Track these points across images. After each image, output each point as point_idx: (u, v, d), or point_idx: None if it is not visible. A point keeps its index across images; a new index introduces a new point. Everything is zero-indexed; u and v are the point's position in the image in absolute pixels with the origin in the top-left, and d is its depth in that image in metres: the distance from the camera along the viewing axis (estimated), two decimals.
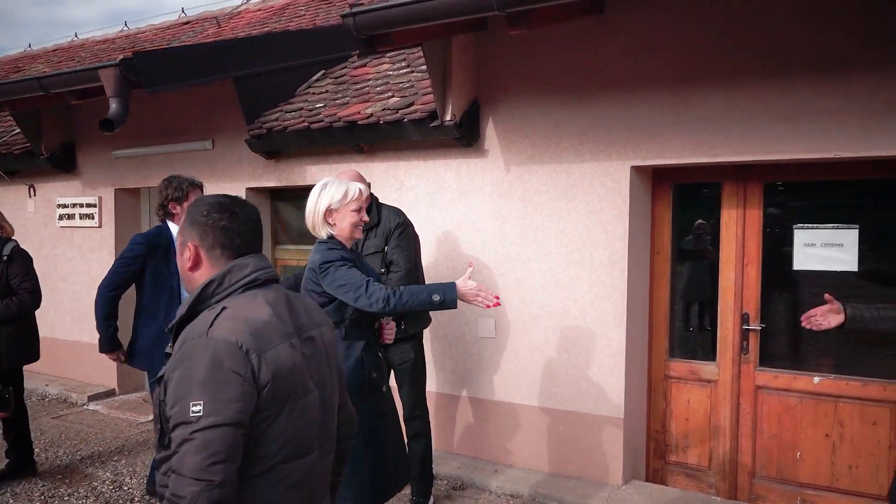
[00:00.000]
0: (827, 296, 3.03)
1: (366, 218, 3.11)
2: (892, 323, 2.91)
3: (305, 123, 5.22)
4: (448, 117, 4.56)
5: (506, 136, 4.72)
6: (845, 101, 3.71)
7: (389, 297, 2.85)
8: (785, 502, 4.26)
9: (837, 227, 4.11)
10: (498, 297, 2.99)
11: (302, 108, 5.52)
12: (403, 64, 5.61)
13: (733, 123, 4.00)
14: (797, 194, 4.36)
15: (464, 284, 2.94)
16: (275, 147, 5.56)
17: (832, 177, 4.14)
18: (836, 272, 4.14)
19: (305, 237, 6.00)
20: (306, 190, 5.71)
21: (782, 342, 4.35)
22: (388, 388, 3.21)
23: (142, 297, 4.28)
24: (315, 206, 3.02)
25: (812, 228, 4.18)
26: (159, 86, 4.72)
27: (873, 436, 4.02)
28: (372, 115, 4.91)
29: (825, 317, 3.02)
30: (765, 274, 4.32)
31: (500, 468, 4.76)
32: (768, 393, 4.32)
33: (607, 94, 4.36)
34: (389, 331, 3.24)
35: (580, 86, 4.44)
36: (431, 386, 5.11)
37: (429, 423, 4.28)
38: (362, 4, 3.62)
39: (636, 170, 4.36)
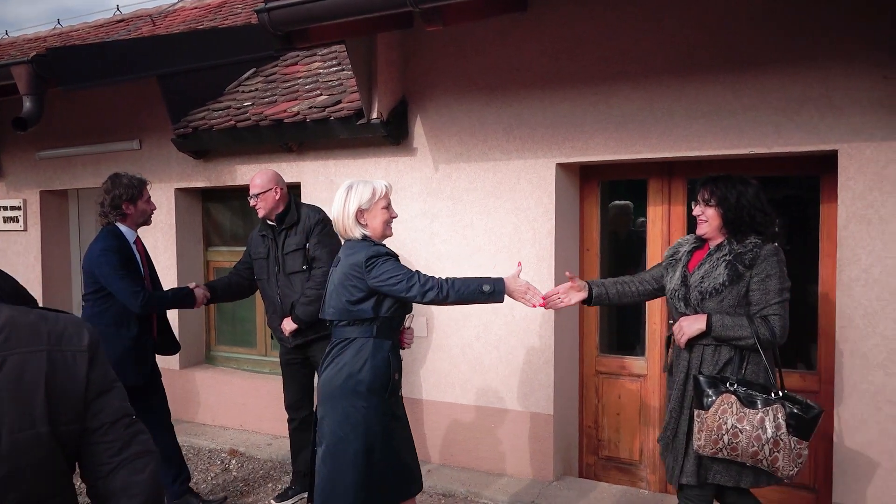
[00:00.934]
0: (567, 273, 3.24)
1: (395, 214, 3.11)
2: (633, 297, 3.25)
3: (232, 122, 5.12)
4: (375, 115, 4.51)
5: (434, 134, 4.70)
6: (758, 98, 3.78)
7: (443, 285, 2.86)
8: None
9: None
10: (545, 299, 3.00)
11: (230, 107, 5.42)
12: (335, 62, 5.55)
13: (653, 121, 4.04)
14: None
15: (514, 281, 2.95)
16: (202, 147, 5.45)
17: (750, 173, 4.19)
18: None
19: (239, 239, 5.90)
20: (237, 190, 5.70)
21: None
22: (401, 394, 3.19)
23: (110, 307, 3.85)
24: (343, 208, 2.98)
25: None
26: (75, 84, 4.57)
27: None
28: (299, 113, 4.84)
29: (567, 294, 3.15)
30: None
31: (433, 468, 4.73)
32: None
33: (531, 91, 4.37)
34: (409, 336, 3.23)
35: (505, 84, 4.44)
36: None
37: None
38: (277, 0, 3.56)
39: (562, 167, 4.38)
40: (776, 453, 2.68)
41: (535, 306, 2.99)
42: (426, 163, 4.74)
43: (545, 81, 4.33)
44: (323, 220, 4.06)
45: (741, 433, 2.69)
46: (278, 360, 4.42)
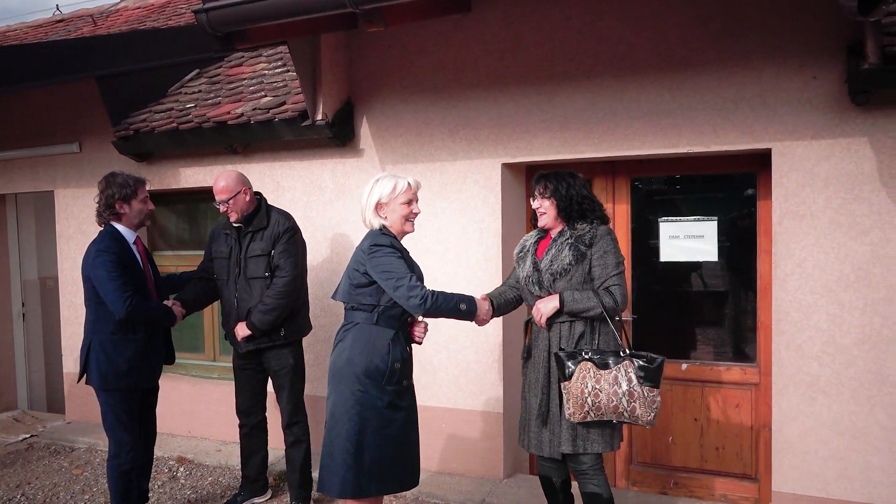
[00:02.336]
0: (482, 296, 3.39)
1: (417, 210, 3.17)
2: (513, 304, 3.47)
3: (174, 124, 5.03)
4: (320, 117, 4.48)
5: (380, 135, 4.69)
6: (695, 98, 3.87)
7: (428, 297, 2.91)
8: (659, 486, 4.40)
9: (699, 220, 4.28)
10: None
11: (172, 109, 5.32)
12: (280, 63, 5.49)
13: (595, 121, 4.10)
14: (662, 189, 4.51)
15: (479, 307, 3.16)
16: (144, 149, 5.34)
17: (692, 171, 4.31)
18: (698, 262, 4.32)
19: (185, 243, 5.80)
20: (182, 193, 5.61)
21: (652, 332, 4.48)
22: (412, 387, 3.19)
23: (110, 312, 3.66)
24: (366, 200, 3.10)
25: (676, 221, 4.33)
26: (10, 85, 4.46)
27: (736, 418, 4.21)
28: (243, 114, 4.78)
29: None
30: (635, 266, 4.44)
31: None
32: None
33: (477, 92, 4.39)
34: (420, 329, 3.23)
35: (450, 84, 4.46)
36: (313, 390, 5.03)
37: (308, 428, 4.21)
38: (216, 0, 3.50)
39: (507, 167, 4.41)
40: (633, 403, 2.99)
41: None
42: (373, 164, 4.73)
43: (490, 82, 4.36)
44: (292, 229, 4.02)
45: (601, 392, 2.98)
46: (227, 364, 4.36)
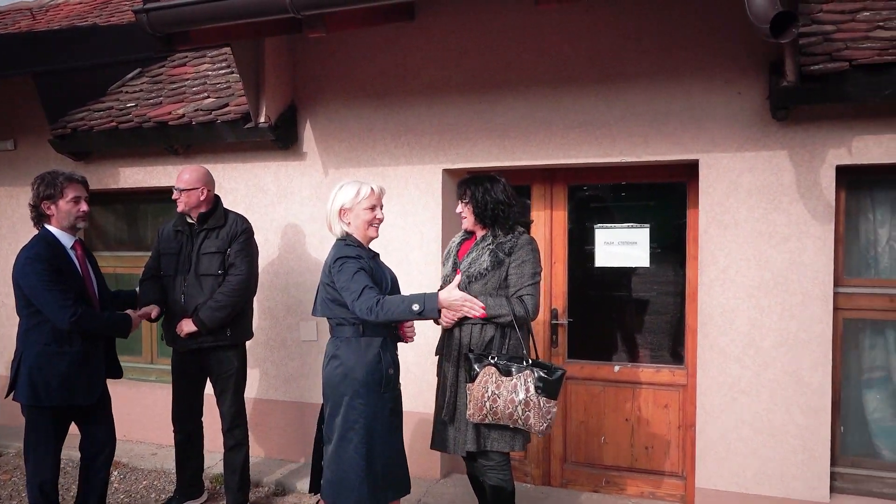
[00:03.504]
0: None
1: (381, 216, 3.16)
2: (499, 309, 3.18)
3: (114, 123, 4.97)
4: (262, 119, 4.50)
5: (323, 139, 4.73)
6: (628, 110, 4.03)
7: (372, 307, 2.86)
8: (592, 484, 4.53)
9: (632, 227, 4.43)
10: (485, 308, 2.99)
11: (112, 108, 5.25)
12: (224, 64, 5.47)
13: (534, 130, 4.23)
14: (598, 196, 4.66)
15: (449, 294, 2.93)
16: (82, 148, 5.26)
17: (626, 179, 4.46)
18: (632, 268, 4.47)
19: (124, 244, 5.71)
20: (121, 194, 5.53)
21: (587, 335, 4.62)
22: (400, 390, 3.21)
23: (48, 321, 3.42)
24: (331, 206, 3.11)
25: (610, 228, 4.48)
26: None
27: (665, 418, 4.37)
28: (184, 115, 4.76)
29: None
30: (571, 271, 4.58)
31: None
32: (576, 383, 4.57)
33: (419, 99, 4.47)
34: (410, 329, 3.24)
35: (393, 90, 4.53)
36: (255, 392, 5.03)
37: (247, 432, 4.20)
38: (156, 0, 3.50)
39: (448, 173, 4.50)
40: (528, 412, 3.05)
41: (475, 317, 3.01)
42: (316, 167, 4.76)
43: (432, 89, 4.44)
44: (249, 230, 4.06)
45: (499, 398, 3.06)
46: (165, 367, 4.31)
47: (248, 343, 4.89)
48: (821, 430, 3.77)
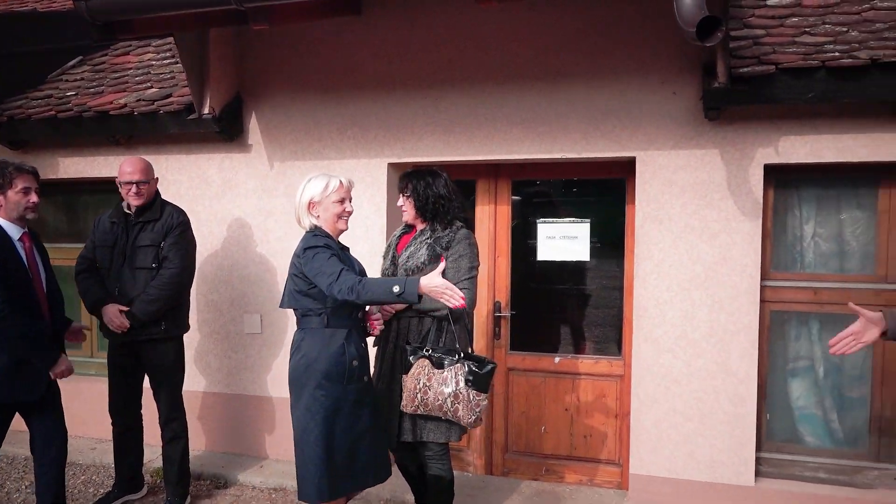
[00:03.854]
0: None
1: (350, 209, 3.17)
2: (435, 303, 3.07)
3: (52, 112, 4.87)
4: (206, 111, 4.47)
5: (269, 131, 4.72)
6: (568, 107, 4.14)
7: (354, 286, 2.86)
8: (532, 473, 4.64)
9: (573, 221, 4.55)
10: (464, 298, 2.93)
11: (51, 96, 5.14)
12: (168, 54, 5.40)
13: (477, 126, 4.30)
14: (541, 191, 4.76)
15: (430, 280, 2.89)
16: (19, 137, 5.13)
17: (568, 175, 4.57)
18: (573, 261, 4.58)
19: (63, 235, 5.59)
20: (62, 184, 5.42)
21: (529, 327, 4.73)
22: (371, 382, 3.19)
23: None
24: (299, 199, 3.10)
25: (552, 222, 4.59)
26: None
27: (603, 407, 4.50)
28: (126, 105, 4.69)
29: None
30: (514, 265, 4.68)
31: (266, 463, 4.75)
32: (518, 374, 4.68)
33: (365, 93, 4.50)
34: (377, 320, 3.22)
35: (339, 84, 4.55)
36: (199, 385, 5.00)
37: (186, 424, 4.18)
38: None
39: (393, 167, 4.54)
40: (457, 405, 3.12)
41: (455, 307, 2.90)
42: (261, 160, 4.75)
43: (378, 83, 4.48)
44: (185, 223, 4.03)
45: (430, 390, 3.13)
46: (105, 361, 4.22)
47: (191, 336, 4.88)
48: (747, 418, 3.94)
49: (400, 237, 3.53)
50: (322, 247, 3.00)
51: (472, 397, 3.12)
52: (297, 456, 3.08)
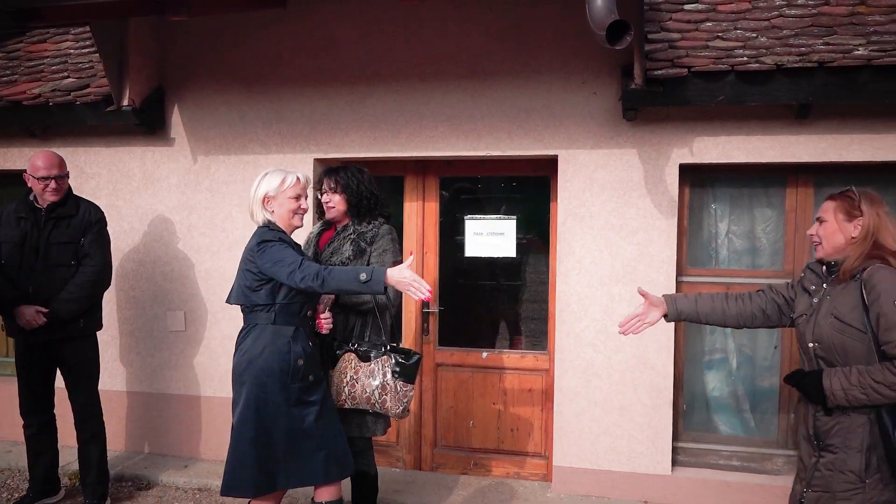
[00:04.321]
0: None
1: (305, 206, 3.11)
2: (361, 297, 3.19)
3: None
4: (126, 102, 4.35)
5: (192, 124, 4.63)
6: (493, 106, 4.19)
7: (319, 272, 2.81)
8: (461, 467, 4.69)
9: (500, 218, 4.60)
10: (431, 291, 2.86)
11: None
12: (88, 42, 5.20)
13: (404, 122, 4.31)
14: (468, 188, 4.80)
15: (399, 272, 2.84)
16: None
17: (495, 172, 4.62)
18: (500, 258, 4.64)
19: None
20: None
21: (457, 323, 4.77)
22: (323, 378, 3.10)
23: None
24: (254, 193, 3.04)
25: (480, 219, 4.63)
26: None
27: (529, 401, 4.58)
28: (41, 95, 4.52)
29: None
30: (442, 261, 4.71)
31: (190, 463, 4.67)
32: (446, 369, 4.71)
33: (291, 88, 4.46)
34: (326, 319, 3.16)
35: (265, 78, 4.50)
36: (120, 385, 4.88)
37: (103, 423, 4.07)
38: None
39: (320, 162, 4.51)
40: (385, 396, 3.16)
41: (420, 300, 2.94)
42: (184, 154, 4.66)
43: (305, 79, 4.44)
44: (103, 220, 3.96)
45: (357, 383, 3.17)
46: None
47: (112, 334, 4.78)
48: (664, 409, 4.08)
49: (320, 234, 3.51)
50: (276, 240, 2.95)
51: (399, 388, 3.15)
52: (230, 447, 2.99)
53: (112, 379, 4.84)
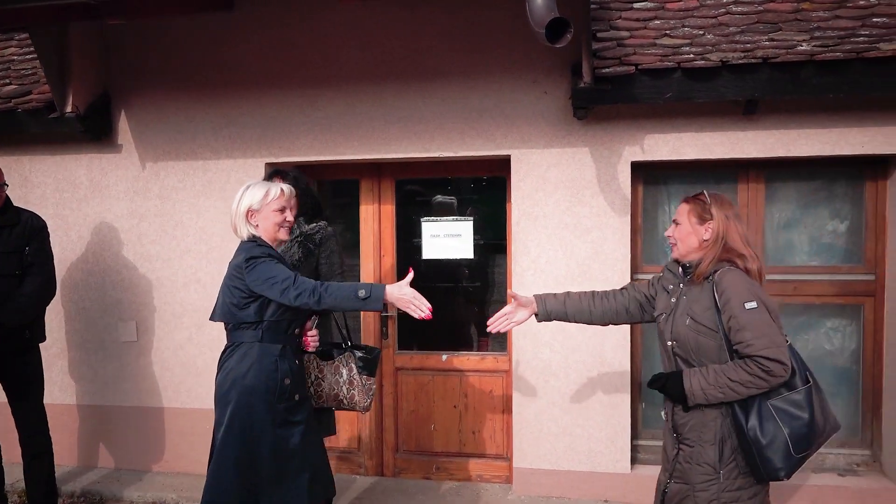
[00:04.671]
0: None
1: (290, 219, 2.96)
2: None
3: None
4: (69, 109, 4.24)
5: (140, 130, 4.53)
6: (444, 106, 4.15)
7: (316, 288, 2.72)
8: (423, 472, 4.65)
9: (456, 220, 4.57)
10: (431, 309, 2.77)
11: None
12: (31, 49, 5.08)
13: (355, 124, 4.26)
14: (424, 190, 4.76)
15: (398, 289, 2.77)
16: None
17: (450, 174, 4.59)
18: (457, 259, 4.61)
19: None
20: None
21: (417, 326, 4.71)
22: (307, 399, 3.00)
23: None
24: (236, 207, 2.90)
25: (436, 221, 4.59)
26: None
27: (490, 402, 4.55)
28: None
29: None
30: (399, 264, 4.66)
31: (145, 476, 4.57)
32: (406, 373, 4.67)
33: (241, 92, 4.38)
34: (313, 337, 3.07)
35: (214, 82, 4.41)
36: (71, 398, 4.76)
37: (50, 439, 3.96)
38: None
39: (271, 167, 4.41)
40: (353, 391, 3.21)
41: (421, 318, 2.76)
42: (132, 160, 4.55)
43: (254, 82, 4.37)
44: (46, 228, 3.91)
45: (323, 381, 3.21)
46: None
47: (61, 346, 4.68)
48: (622, 407, 4.07)
49: None
50: (265, 256, 2.82)
51: (364, 382, 3.20)
52: (211, 468, 2.85)
53: (62, 392, 4.72)
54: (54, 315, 4.59)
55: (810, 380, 2.41)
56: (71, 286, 4.66)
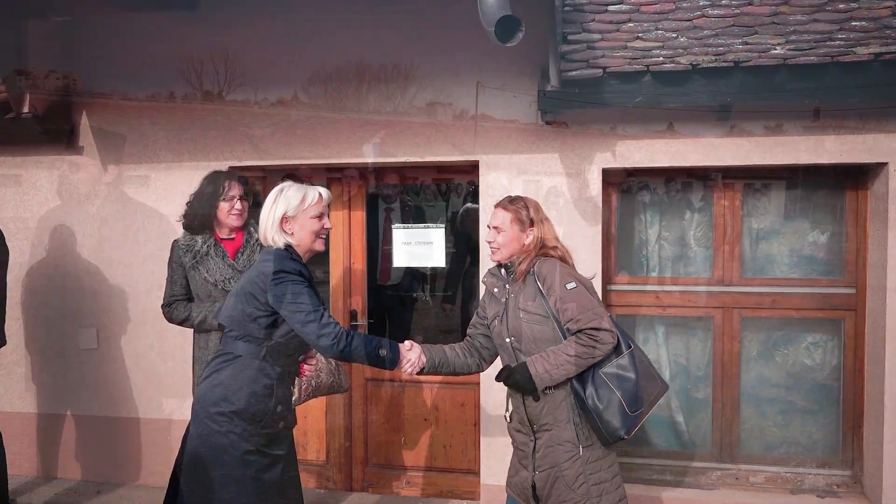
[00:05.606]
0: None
1: (328, 225, 2.77)
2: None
3: None
4: (26, 109, 4.14)
5: (102, 132, 4.43)
6: (412, 110, 4.04)
7: (342, 338, 2.52)
8: (393, 486, 4.51)
9: (428, 227, 4.44)
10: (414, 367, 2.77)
11: None
12: None
13: (321, 128, 4.15)
14: (396, 196, 4.65)
15: (407, 353, 2.76)
16: None
17: (421, 179, 4.48)
18: (429, 267, 4.49)
19: None
20: None
21: (387, 336, 4.58)
22: (290, 432, 2.80)
23: None
24: (270, 213, 2.65)
25: (408, 228, 4.47)
26: None
27: (462, 416, 4.41)
28: None
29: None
30: (370, 272, 4.53)
31: (104, 488, 4.45)
32: (376, 385, 4.53)
33: (203, 93, 4.28)
34: (311, 364, 2.84)
35: (176, 83, 4.31)
36: (30, 406, 4.64)
37: (3, 446, 3.84)
38: None
39: (235, 171, 4.32)
40: (341, 376, 3.04)
41: (408, 374, 2.79)
42: (94, 162, 4.46)
43: (217, 82, 4.27)
44: (1, 233, 3.81)
45: (321, 372, 2.99)
46: None
47: (19, 353, 4.58)
48: None
49: (214, 244, 3.33)
50: (296, 274, 2.58)
51: (337, 364, 3.03)
52: (186, 485, 2.66)
53: (21, 400, 4.60)
54: (14, 321, 4.48)
55: (632, 345, 2.65)
56: (30, 292, 4.54)
